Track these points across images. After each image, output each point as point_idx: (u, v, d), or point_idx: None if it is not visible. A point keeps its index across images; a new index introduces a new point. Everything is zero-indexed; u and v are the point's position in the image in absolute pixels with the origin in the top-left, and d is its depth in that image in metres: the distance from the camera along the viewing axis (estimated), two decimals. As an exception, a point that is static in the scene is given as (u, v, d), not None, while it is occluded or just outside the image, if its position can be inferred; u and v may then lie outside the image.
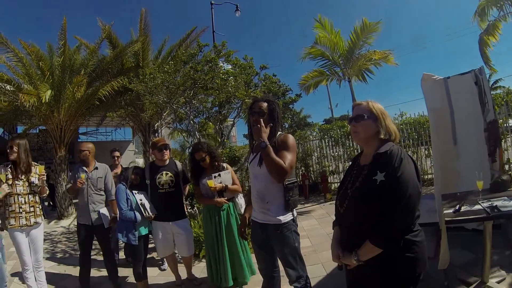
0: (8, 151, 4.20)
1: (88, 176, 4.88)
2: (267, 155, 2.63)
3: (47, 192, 4.52)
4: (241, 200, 4.67)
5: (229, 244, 4.37)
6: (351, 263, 2.02)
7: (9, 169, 4.19)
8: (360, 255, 1.95)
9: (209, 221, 4.47)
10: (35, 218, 4.20)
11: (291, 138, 2.86)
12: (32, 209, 4.20)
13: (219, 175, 4.36)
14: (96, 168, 4.98)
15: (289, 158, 2.71)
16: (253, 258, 4.51)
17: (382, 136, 2.04)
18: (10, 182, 4.13)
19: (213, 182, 4.28)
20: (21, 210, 4.11)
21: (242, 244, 4.47)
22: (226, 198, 4.45)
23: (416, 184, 1.86)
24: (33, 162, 4.38)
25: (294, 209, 2.96)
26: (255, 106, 2.98)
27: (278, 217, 2.84)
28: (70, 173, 5.02)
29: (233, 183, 4.52)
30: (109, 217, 4.86)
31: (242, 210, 4.49)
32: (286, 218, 2.86)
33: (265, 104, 2.96)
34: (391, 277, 1.92)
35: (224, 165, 4.62)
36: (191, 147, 4.60)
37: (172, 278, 4.98)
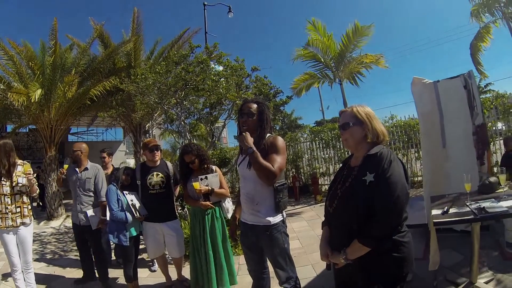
0: None
1: (78, 177, 4.89)
2: (254, 160, 2.68)
3: (38, 191, 4.48)
4: (228, 204, 4.58)
5: (212, 248, 4.28)
6: (339, 262, 2.04)
7: None
8: (348, 254, 1.98)
9: (193, 222, 4.44)
10: (21, 219, 4.14)
11: (280, 140, 2.88)
12: (18, 209, 4.14)
13: (206, 177, 4.32)
14: (86, 168, 4.98)
15: (278, 161, 2.73)
16: (236, 265, 4.57)
17: (369, 140, 2.08)
18: None
19: (199, 185, 4.21)
20: (7, 211, 4.05)
21: (226, 249, 4.41)
22: (211, 201, 4.35)
23: (405, 185, 1.89)
24: (19, 161, 4.33)
25: (284, 211, 2.98)
26: (245, 107, 3.01)
27: (267, 219, 2.86)
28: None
29: (221, 187, 4.45)
30: (97, 218, 4.85)
31: (229, 215, 4.49)
32: (275, 219, 2.87)
33: (254, 106, 2.99)
34: (378, 276, 1.95)
35: (213, 167, 4.58)
36: (181, 149, 4.58)
37: (162, 279, 4.97)
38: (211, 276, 4.17)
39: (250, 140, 2.74)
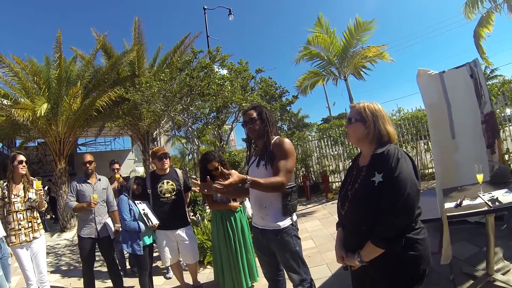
0: (23, 165, 4.23)
1: (94, 189, 4.88)
2: (258, 187, 2.65)
3: (46, 205, 4.52)
4: (248, 204, 4.77)
5: (244, 245, 4.50)
6: (355, 264, 2.02)
7: (5, 187, 4.19)
8: (362, 256, 1.96)
9: (221, 226, 4.52)
10: (33, 233, 4.20)
11: (286, 142, 2.87)
12: (30, 224, 4.20)
13: None
14: (99, 179, 5.00)
15: (285, 167, 2.72)
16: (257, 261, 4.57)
17: (369, 139, 2.07)
18: (7, 200, 4.13)
19: None
20: (20, 227, 4.11)
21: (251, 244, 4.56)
22: (238, 202, 4.61)
23: (414, 182, 1.86)
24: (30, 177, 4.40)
25: (294, 213, 2.98)
26: (245, 116, 3.06)
27: (277, 223, 2.85)
28: (70, 187, 4.93)
29: None
30: (113, 228, 4.86)
31: (250, 213, 4.66)
32: (285, 223, 2.86)
33: (252, 111, 3.04)
34: (396, 276, 1.93)
35: (233, 171, 4.65)
36: (202, 157, 4.61)
37: (178, 286, 4.99)
38: (246, 273, 4.45)
39: (235, 178, 2.59)
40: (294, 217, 2.98)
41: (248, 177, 2.59)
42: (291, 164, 2.79)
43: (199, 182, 2.98)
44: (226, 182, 2.54)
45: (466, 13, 13.39)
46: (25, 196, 4.20)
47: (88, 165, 4.93)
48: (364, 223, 1.96)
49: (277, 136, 3.00)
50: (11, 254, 4.13)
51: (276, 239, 2.85)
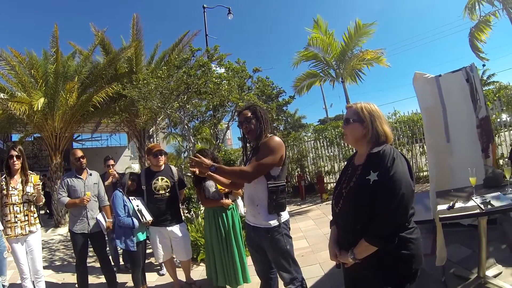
0: (14, 160, 4.19)
1: (85, 184, 4.87)
2: (222, 173, 2.85)
3: (44, 200, 4.51)
4: (241, 202, 4.83)
5: (236, 243, 4.47)
6: (348, 262, 2.04)
7: (3, 179, 4.19)
8: (356, 254, 1.98)
9: (214, 223, 4.51)
10: (29, 226, 4.20)
11: (273, 140, 2.90)
12: (26, 218, 4.19)
13: None
14: (90, 174, 4.99)
15: (262, 159, 2.79)
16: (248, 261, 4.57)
17: (367, 139, 2.08)
18: (4, 192, 4.13)
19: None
20: (16, 220, 4.10)
21: (243, 243, 4.57)
22: (231, 200, 4.58)
23: (409, 182, 1.88)
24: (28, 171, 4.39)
25: (284, 212, 3.00)
26: (241, 117, 3.13)
27: (268, 221, 2.88)
28: (61, 183, 4.89)
29: None
30: (104, 223, 4.85)
31: (242, 212, 4.72)
32: (275, 221, 2.90)
33: (247, 111, 3.10)
34: (388, 274, 1.95)
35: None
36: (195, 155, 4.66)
37: (171, 282, 4.99)
38: (237, 270, 4.38)
39: (206, 160, 2.85)
40: (285, 216, 3.00)
41: (215, 165, 2.78)
42: (268, 160, 2.79)
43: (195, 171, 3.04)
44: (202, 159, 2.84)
45: (469, 16, 13.37)
46: (23, 190, 4.20)
47: (81, 160, 4.92)
48: (358, 221, 1.98)
49: (271, 135, 3.02)
50: (8, 248, 4.10)
51: (267, 237, 2.88)
